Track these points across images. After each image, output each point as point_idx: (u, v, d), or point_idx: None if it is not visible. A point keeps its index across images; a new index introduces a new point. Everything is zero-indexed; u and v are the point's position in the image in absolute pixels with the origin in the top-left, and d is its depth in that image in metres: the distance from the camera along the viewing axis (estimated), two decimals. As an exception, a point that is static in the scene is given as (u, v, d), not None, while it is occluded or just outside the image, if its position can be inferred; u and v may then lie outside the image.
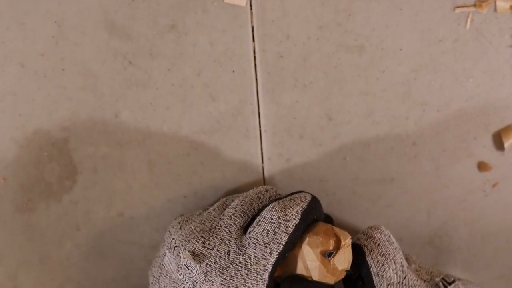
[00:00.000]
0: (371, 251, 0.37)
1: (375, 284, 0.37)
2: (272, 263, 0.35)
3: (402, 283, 0.37)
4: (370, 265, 0.37)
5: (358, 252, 0.38)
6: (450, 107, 0.43)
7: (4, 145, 0.42)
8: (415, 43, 0.42)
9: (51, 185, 0.43)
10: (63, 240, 0.44)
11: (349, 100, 0.43)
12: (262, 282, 0.35)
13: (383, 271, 0.37)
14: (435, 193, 0.46)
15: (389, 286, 0.37)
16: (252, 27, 0.41)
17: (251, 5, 0.40)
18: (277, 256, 0.35)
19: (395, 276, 0.37)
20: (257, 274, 0.35)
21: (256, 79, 0.42)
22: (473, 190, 0.45)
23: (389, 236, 0.38)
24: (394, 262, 0.37)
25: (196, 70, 0.41)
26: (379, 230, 0.38)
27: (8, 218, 0.44)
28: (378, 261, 0.37)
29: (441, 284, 0.39)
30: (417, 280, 0.38)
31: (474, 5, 0.41)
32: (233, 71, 0.42)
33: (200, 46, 0.41)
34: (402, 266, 0.37)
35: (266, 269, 0.35)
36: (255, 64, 0.42)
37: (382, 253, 0.37)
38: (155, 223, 0.45)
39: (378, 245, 0.38)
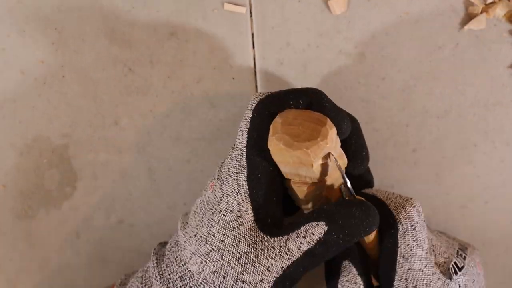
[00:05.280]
0: (406, 231, 0.35)
1: (397, 265, 0.35)
2: (244, 144, 0.34)
3: (422, 270, 0.35)
4: (399, 245, 0.35)
5: (389, 224, 0.35)
6: (450, 114, 0.43)
7: (4, 152, 0.42)
8: (415, 50, 0.42)
9: (51, 191, 0.43)
10: (63, 247, 0.44)
11: (349, 107, 0.43)
12: (241, 168, 0.34)
13: (410, 256, 0.35)
14: (435, 200, 0.46)
15: (410, 270, 0.35)
16: (252, 34, 0.41)
17: (251, 13, 0.40)
18: (247, 136, 0.34)
19: (418, 263, 0.35)
20: (236, 160, 0.34)
21: (256, 86, 0.42)
22: (473, 197, 0.45)
23: (424, 220, 0.36)
24: (422, 249, 0.35)
25: (196, 77, 0.41)
26: (418, 212, 0.36)
27: (8, 225, 0.44)
28: (408, 245, 0.35)
29: (452, 271, 0.38)
30: (436, 268, 0.36)
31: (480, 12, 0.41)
32: (233, 78, 0.42)
33: (200, 53, 0.41)
34: (427, 253, 0.36)
35: (242, 153, 0.34)
36: (255, 71, 0.42)
37: (415, 238, 0.35)
38: (155, 230, 0.45)
39: (414, 228, 0.35)
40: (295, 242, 0.33)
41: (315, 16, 0.41)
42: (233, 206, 0.34)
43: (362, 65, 0.42)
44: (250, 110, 0.34)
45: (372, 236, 0.35)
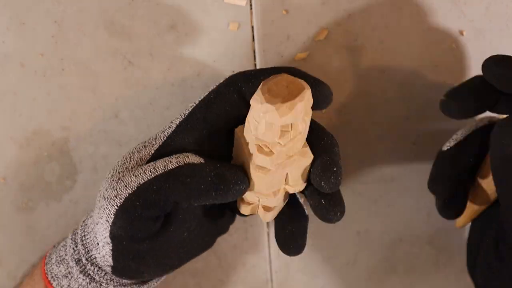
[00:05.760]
0: None
1: None
2: (199, 99, 0.35)
3: None
4: None
5: None
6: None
7: (4, 144, 0.42)
8: (415, 43, 0.42)
9: (51, 184, 0.43)
10: (63, 239, 0.44)
11: (350, 100, 0.43)
12: (182, 114, 0.35)
13: None
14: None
15: None
16: (252, 27, 0.41)
17: (251, 5, 0.40)
18: (206, 95, 0.35)
19: None
20: (185, 109, 0.35)
21: (256, 79, 0.42)
22: (473, 190, 0.45)
23: None
24: None
25: (196, 70, 0.41)
26: None
27: (8, 218, 0.44)
28: None
29: None
30: None
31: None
32: (233, 71, 0.42)
33: (200, 46, 0.41)
34: None
35: (192, 105, 0.35)
36: (255, 64, 0.42)
37: None
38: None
39: None
40: (165, 161, 0.33)
41: (315, 9, 0.41)
42: (150, 138, 0.35)
43: (362, 58, 0.42)
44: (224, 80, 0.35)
45: None
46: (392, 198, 0.46)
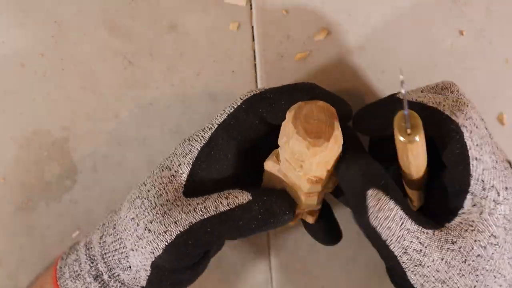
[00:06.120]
0: (471, 132, 0.32)
1: (471, 168, 0.32)
2: (218, 122, 0.34)
3: (495, 167, 0.33)
4: (469, 148, 0.32)
5: (449, 129, 0.32)
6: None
7: (4, 144, 0.42)
8: (415, 43, 0.42)
9: (51, 184, 0.43)
10: (63, 239, 0.44)
11: (350, 100, 0.43)
12: (201, 139, 0.35)
13: (481, 155, 0.32)
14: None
15: (484, 171, 0.32)
16: (252, 27, 0.41)
17: (251, 5, 0.40)
18: (225, 118, 0.34)
19: (490, 160, 0.32)
20: (202, 131, 0.35)
21: (256, 79, 0.42)
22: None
23: (480, 114, 0.34)
24: (489, 145, 0.33)
25: (196, 70, 0.41)
26: (474, 109, 0.33)
27: (8, 218, 0.44)
28: (477, 145, 0.32)
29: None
30: (505, 162, 0.34)
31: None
32: (233, 71, 0.42)
33: (200, 46, 0.41)
34: (493, 147, 0.33)
35: (211, 128, 0.34)
36: (255, 64, 0.42)
37: (480, 136, 0.32)
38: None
39: (477, 127, 0.32)
40: (215, 201, 0.33)
41: (315, 9, 0.41)
42: (173, 165, 0.35)
43: (362, 58, 0.42)
44: (241, 99, 0.34)
45: (418, 148, 0.31)
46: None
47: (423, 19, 0.42)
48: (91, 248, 0.37)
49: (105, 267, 0.36)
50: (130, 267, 0.35)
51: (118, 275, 0.35)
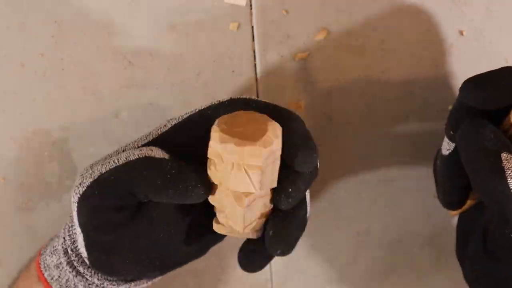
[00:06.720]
0: None
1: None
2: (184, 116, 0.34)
3: None
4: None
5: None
6: (450, 107, 0.43)
7: (4, 144, 0.42)
8: (415, 43, 0.42)
9: (51, 184, 0.43)
10: (63, 239, 0.44)
11: (349, 100, 0.43)
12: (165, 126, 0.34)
13: None
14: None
15: None
16: (252, 27, 0.41)
17: (251, 5, 0.40)
18: (189, 114, 0.34)
19: None
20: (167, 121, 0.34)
21: (256, 79, 0.42)
22: (473, 190, 0.45)
23: None
24: None
25: (196, 70, 0.41)
26: None
27: (8, 218, 0.44)
28: None
29: None
30: None
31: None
32: (233, 71, 0.42)
33: (200, 46, 0.41)
34: None
35: (170, 120, 0.34)
36: (255, 64, 0.42)
37: None
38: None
39: None
40: (128, 153, 0.32)
41: (315, 9, 0.41)
42: (144, 135, 0.34)
43: (362, 58, 0.42)
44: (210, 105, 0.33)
45: None
46: (392, 198, 0.46)
47: (423, 19, 0.42)
48: (67, 224, 0.37)
49: (69, 239, 0.36)
50: (76, 232, 0.35)
51: (78, 248, 0.36)
